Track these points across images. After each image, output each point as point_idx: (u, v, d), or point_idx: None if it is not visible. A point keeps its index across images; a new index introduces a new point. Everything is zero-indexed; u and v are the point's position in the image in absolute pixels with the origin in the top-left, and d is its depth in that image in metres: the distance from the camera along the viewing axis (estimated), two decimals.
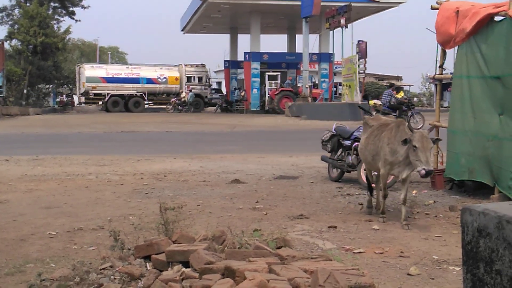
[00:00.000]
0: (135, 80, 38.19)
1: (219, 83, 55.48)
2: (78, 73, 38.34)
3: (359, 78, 28.89)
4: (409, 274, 4.60)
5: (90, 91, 37.55)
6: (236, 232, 4.86)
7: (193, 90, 38.35)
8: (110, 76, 37.90)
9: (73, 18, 42.06)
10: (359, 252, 5.23)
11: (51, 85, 41.33)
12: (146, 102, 38.31)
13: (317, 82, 36.98)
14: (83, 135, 19.87)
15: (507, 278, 1.96)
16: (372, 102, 22.20)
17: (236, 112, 36.46)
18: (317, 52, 36.43)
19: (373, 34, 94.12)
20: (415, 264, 4.89)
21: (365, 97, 29.16)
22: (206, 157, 12.74)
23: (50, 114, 33.86)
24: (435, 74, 9.39)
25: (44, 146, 15.30)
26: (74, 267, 4.13)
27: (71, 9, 42.00)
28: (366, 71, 30.82)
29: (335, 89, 38.95)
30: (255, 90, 36.31)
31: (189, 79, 39.37)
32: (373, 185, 7.32)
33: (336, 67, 38.46)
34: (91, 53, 64.84)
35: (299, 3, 32.04)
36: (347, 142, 9.24)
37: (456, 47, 8.27)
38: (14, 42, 39.02)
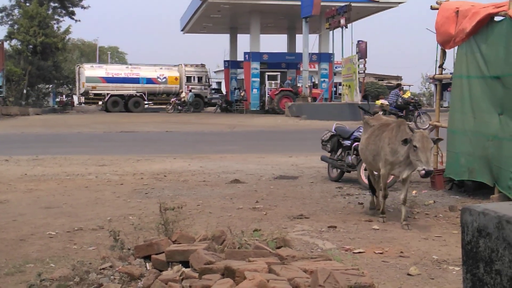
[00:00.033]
0: (135, 80, 38.17)
1: (219, 83, 55.46)
2: (78, 73, 38.33)
3: (359, 78, 28.89)
4: (409, 274, 4.60)
5: (90, 91, 37.53)
6: (236, 232, 4.86)
7: (193, 90, 38.34)
8: (110, 76, 37.88)
9: (73, 18, 42.10)
10: (359, 252, 5.22)
11: (51, 85, 41.35)
12: (146, 102, 38.30)
13: (317, 82, 36.98)
14: (83, 135, 19.87)
15: (507, 278, 1.96)
16: (379, 102, 22.28)
17: (236, 112, 36.45)
18: (317, 52, 36.43)
19: (373, 34, 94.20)
20: (415, 264, 4.89)
21: (365, 97, 29.16)
22: (206, 157, 12.74)
23: (50, 114, 33.86)
24: (435, 74, 9.39)
25: (44, 146, 15.30)
26: (74, 267, 4.12)
27: (71, 9, 42.00)
28: (366, 71, 30.81)
29: (335, 89, 38.94)
30: (255, 90, 36.30)
31: (189, 79, 39.35)
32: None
33: (336, 67, 38.45)
34: (91, 53, 64.85)
35: (299, 3, 32.04)
36: (347, 142, 9.24)
37: (456, 47, 8.27)
38: (14, 42, 39.06)
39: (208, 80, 41.08)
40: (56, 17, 41.47)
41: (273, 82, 36.02)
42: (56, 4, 41.60)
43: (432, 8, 8.65)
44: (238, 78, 42.68)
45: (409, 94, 23.35)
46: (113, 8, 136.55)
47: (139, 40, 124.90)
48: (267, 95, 35.10)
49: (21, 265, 4.75)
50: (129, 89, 37.76)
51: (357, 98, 27.88)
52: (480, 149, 7.48)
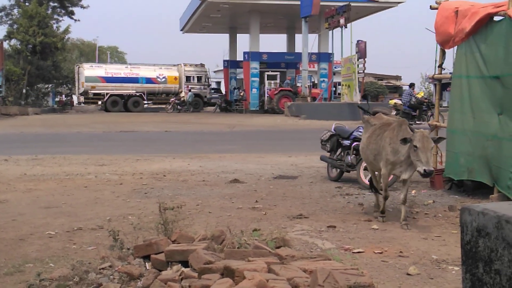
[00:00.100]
0: (134, 80, 38.16)
1: (218, 83, 55.50)
2: (77, 73, 38.30)
3: (358, 78, 28.90)
4: (408, 274, 4.60)
5: (89, 91, 37.52)
6: (235, 231, 4.85)
7: (192, 90, 38.34)
8: (109, 75, 37.86)
9: (72, 18, 42.11)
10: (358, 252, 5.22)
11: (50, 85, 41.35)
12: (145, 102, 38.31)
13: (316, 82, 36.99)
14: (82, 135, 19.86)
15: (506, 277, 1.96)
16: (392, 101, 22.30)
17: (235, 112, 36.46)
18: (317, 52, 36.42)
19: (373, 34, 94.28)
20: (414, 263, 4.89)
21: (364, 97, 29.12)
22: (205, 157, 12.74)
23: (49, 114, 33.86)
24: (434, 74, 9.39)
25: (43, 145, 15.29)
26: (73, 266, 4.12)
27: (70, 8, 42.00)
28: (365, 71, 30.83)
29: (334, 89, 38.93)
30: (254, 90, 36.31)
31: (188, 78, 39.33)
32: None
33: (335, 67, 38.46)
34: (90, 52, 64.85)
35: (299, 3, 32.04)
36: (346, 142, 9.24)
37: (456, 47, 8.28)
38: (13, 41, 39.08)
39: (208, 79, 41.07)
40: (55, 16, 41.50)
41: (272, 82, 36.00)
42: (55, 4, 41.60)
43: (431, 8, 8.65)
44: (237, 77, 42.70)
45: (422, 94, 23.35)
46: (112, 8, 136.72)
47: (138, 40, 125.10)
48: (266, 95, 35.10)
49: (20, 265, 4.75)
50: (128, 89, 37.75)
51: (357, 98, 27.88)
52: (479, 149, 7.49)
